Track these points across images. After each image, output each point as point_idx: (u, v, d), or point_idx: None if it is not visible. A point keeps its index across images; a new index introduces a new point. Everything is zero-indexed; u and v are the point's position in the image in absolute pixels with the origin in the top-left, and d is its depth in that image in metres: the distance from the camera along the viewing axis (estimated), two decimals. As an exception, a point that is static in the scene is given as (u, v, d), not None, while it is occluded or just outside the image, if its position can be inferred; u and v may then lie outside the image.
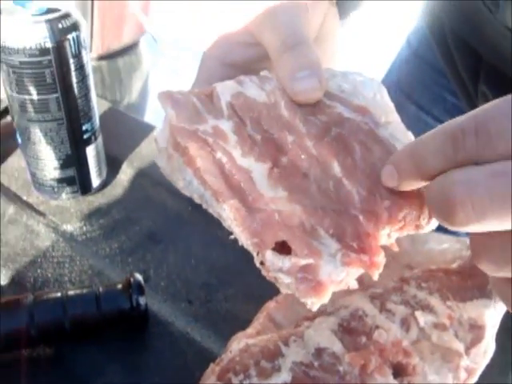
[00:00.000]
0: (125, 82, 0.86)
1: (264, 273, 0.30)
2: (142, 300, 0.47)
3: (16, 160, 0.64)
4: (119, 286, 0.48)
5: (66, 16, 0.52)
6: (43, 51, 0.51)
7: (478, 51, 0.59)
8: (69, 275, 0.53)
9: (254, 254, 0.31)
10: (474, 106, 0.63)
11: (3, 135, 0.65)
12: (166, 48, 0.72)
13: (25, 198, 0.61)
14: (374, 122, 0.36)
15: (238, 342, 0.45)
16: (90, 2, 0.70)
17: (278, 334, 0.45)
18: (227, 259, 0.55)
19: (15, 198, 0.60)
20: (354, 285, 0.32)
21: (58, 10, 0.51)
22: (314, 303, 0.30)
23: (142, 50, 0.83)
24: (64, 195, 0.60)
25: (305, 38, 0.37)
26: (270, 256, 0.30)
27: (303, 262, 0.30)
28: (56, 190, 0.59)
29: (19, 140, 0.57)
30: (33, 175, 0.59)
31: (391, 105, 0.38)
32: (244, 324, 0.48)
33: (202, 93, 0.35)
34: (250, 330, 0.47)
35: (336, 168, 0.34)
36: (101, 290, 0.48)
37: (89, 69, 0.55)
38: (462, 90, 0.65)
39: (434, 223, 0.34)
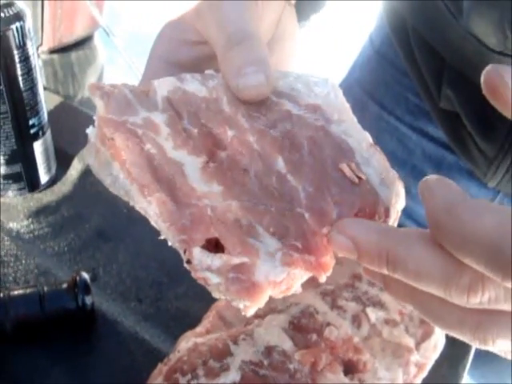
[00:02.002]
0: (78, 76, 0.84)
1: (192, 274, 0.28)
2: (89, 299, 0.46)
3: (-40, 155, 0.62)
4: (64, 286, 0.46)
5: (9, 5, 0.50)
6: (-16, 42, 0.49)
7: (441, 54, 0.59)
8: (13, 275, 0.51)
9: (181, 253, 0.28)
10: (436, 107, 0.62)
11: None
12: (120, 42, 0.70)
13: (-33, 194, 0.58)
14: (326, 118, 0.34)
15: (187, 341, 0.44)
16: (39, -7, 0.68)
17: (227, 332, 0.45)
18: (178, 257, 0.54)
19: (-43, 195, 0.58)
20: (298, 289, 0.29)
21: (1, -1, 0.49)
22: (247, 307, 0.28)
23: (96, 43, 0.81)
24: (10, 192, 0.58)
25: (252, 33, 0.35)
26: (198, 253, 0.28)
27: (236, 260, 0.28)
28: (2, 186, 0.57)
29: (-39, 134, 0.55)
30: (-24, 171, 0.57)
31: (346, 105, 0.36)
32: (194, 323, 0.47)
33: (138, 88, 0.33)
34: (199, 329, 0.46)
35: (280, 163, 0.32)
36: (45, 289, 0.46)
37: (35, 61, 0.53)
38: (425, 91, 0.64)
39: (394, 223, 0.32)
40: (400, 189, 0.32)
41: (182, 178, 0.30)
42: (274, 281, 0.28)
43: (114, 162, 0.30)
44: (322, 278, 0.29)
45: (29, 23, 0.52)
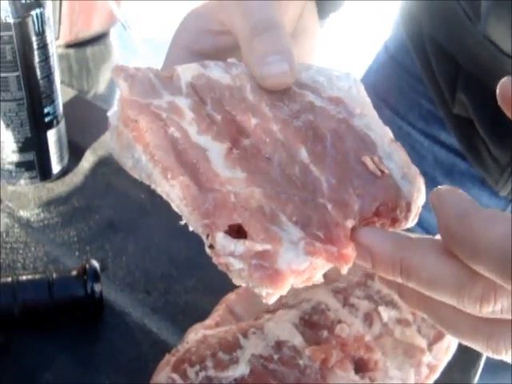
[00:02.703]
0: (93, 71, 0.84)
1: (214, 259, 0.27)
2: (97, 287, 0.45)
3: (-27, 143, 0.62)
4: (74, 273, 0.46)
5: (31, -8, 0.50)
6: (4, 26, 0.49)
7: (456, 59, 0.58)
8: (22, 261, 0.51)
9: (204, 238, 0.28)
10: (450, 113, 0.62)
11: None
12: (137, 38, 0.70)
13: (-20, 182, 0.58)
14: (348, 111, 0.34)
15: (196, 333, 0.43)
16: (58, -14, 0.68)
17: (237, 325, 0.44)
18: (188, 251, 0.54)
19: (-31, 182, 0.58)
20: (319, 279, 0.29)
21: (22, -15, 0.50)
22: (269, 294, 0.27)
23: (112, 40, 0.81)
24: (22, 180, 0.58)
25: (277, 23, 0.35)
26: (222, 239, 0.27)
27: (259, 247, 0.27)
28: (14, 174, 0.57)
29: (-24, 120, 0.55)
30: (-11, 158, 0.57)
31: (368, 100, 0.36)
32: (203, 316, 0.46)
33: (162, 73, 0.33)
34: (208, 322, 0.45)
35: (303, 154, 0.31)
36: (54, 276, 0.45)
37: (53, 49, 0.53)
38: (439, 96, 0.64)
39: (414, 218, 0.32)
40: (421, 184, 0.32)
41: (205, 162, 0.30)
42: (297, 269, 0.27)
43: (137, 145, 0.30)
44: (344, 270, 0.29)
45: (48, 11, 0.52)
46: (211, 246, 0.27)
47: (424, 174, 0.78)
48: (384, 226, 0.31)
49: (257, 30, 0.34)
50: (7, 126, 0.54)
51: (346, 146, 0.32)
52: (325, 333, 0.44)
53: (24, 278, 0.45)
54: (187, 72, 0.33)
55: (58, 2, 0.69)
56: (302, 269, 0.27)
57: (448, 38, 0.60)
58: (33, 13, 0.50)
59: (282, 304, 0.46)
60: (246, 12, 0.36)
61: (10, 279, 0.45)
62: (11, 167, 0.56)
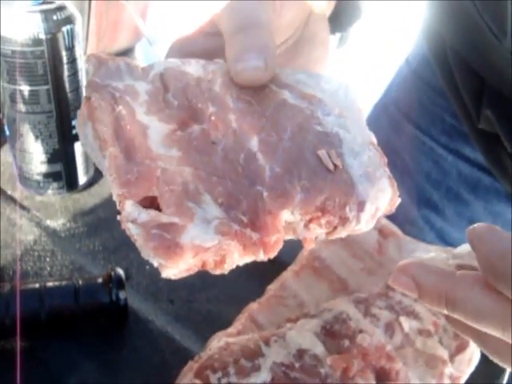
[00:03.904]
0: (118, 86, 0.86)
1: (122, 226, 0.27)
2: (122, 294, 0.46)
3: (3, 155, 0.63)
4: (99, 280, 0.47)
5: (62, 8, 0.52)
6: (36, 42, 0.50)
7: (481, 74, 0.58)
8: (49, 269, 0.52)
9: (117, 205, 0.28)
10: (474, 128, 0.62)
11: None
12: (161, 53, 0.72)
13: (9, 192, 0.60)
14: (323, 110, 0.33)
15: (218, 341, 0.44)
16: (87, 3, 0.70)
17: (259, 334, 0.45)
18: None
19: (-1, 192, 0.59)
20: (227, 268, 0.28)
21: (54, 2, 0.51)
22: (162, 266, 0.26)
23: (137, 55, 0.83)
24: (50, 191, 0.59)
25: (259, 21, 0.35)
26: (130, 206, 0.27)
27: (165, 219, 0.27)
28: (42, 185, 0.59)
29: (7, 132, 0.57)
30: (19, 169, 0.58)
31: (356, 105, 0.35)
32: (225, 325, 0.47)
33: (133, 63, 0.34)
34: (230, 330, 0.46)
35: (254, 142, 0.31)
36: (80, 282, 0.46)
37: (81, 63, 0.55)
38: (463, 112, 0.64)
39: (368, 221, 0.30)
40: (386, 187, 0.31)
41: (142, 138, 0.30)
42: (200, 245, 0.26)
43: (88, 121, 0.31)
44: (260, 257, 0.28)
45: (78, 27, 0.53)
46: (119, 212, 0.27)
47: (448, 189, 0.78)
48: (331, 224, 0.30)
49: (238, 27, 0.35)
50: (36, 137, 0.55)
51: (306, 139, 0.32)
52: (346, 342, 0.44)
53: (51, 284, 0.46)
54: (162, 64, 0.34)
55: (85, 19, 0.71)
56: (207, 246, 0.26)
57: (472, 53, 0.59)
58: (64, 29, 0.51)
59: (303, 313, 0.47)
60: (232, 11, 0.37)
61: (37, 285, 0.46)
62: (39, 178, 0.58)
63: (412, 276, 0.31)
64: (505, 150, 0.61)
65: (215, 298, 0.52)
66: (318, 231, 0.30)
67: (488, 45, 0.56)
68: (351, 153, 0.32)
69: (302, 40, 0.42)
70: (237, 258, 0.28)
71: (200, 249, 0.26)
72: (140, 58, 0.83)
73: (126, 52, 0.82)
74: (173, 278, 0.27)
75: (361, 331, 0.45)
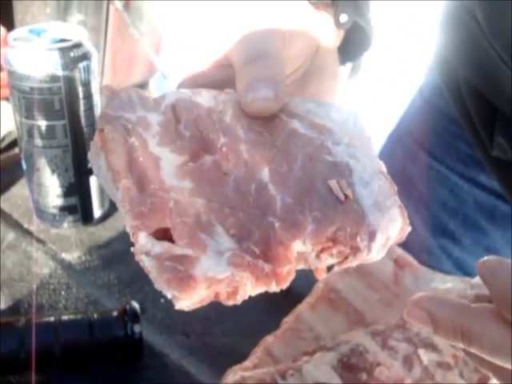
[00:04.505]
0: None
1: (136, 258, 0.27)
2: (137, 328, 0.46)
3: (20, 189, 0.64)
4: (114, 313, 0.47)
5: (78, 45, 0.53)
6: (54, 78, 0.51)
7: (493, 102, 0.58)
8: (64, 302, 0.52)
9: (131, 237, 0.28)
10: (488, 155, 0.62)
11: (9, 164, 0.66)
12: (175, 87, 0.73)
13: (25, 225, 0.60)
14: (333, 140, 0.34)
15: (234, 375, 0.43)
16: (102, 40, 0.72)
17: (275, 367, 0.44)
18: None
19: (16, 225, 0.60)
20: (240, 299, 0.28)
21: (71, 40, 0.53)
22: (176, 298, 0.26)
23: (151, 89, 0.85)
24: (65, 224, 0.59)
25: (268, 52, 0.36)
26: (143, 238, 0.27)
27: (179, 251, 0.27)
28: (57, 218, 0.59)
29: (24, 166, 0.58)
30: (35, 202, 0.59)
31: (366, 134, 0.35)
32: (241, 359, 0.46)
33: (145, 94, 0.34)
34: (246, 363, 0.45)
35: (265, 173, 0.31)
36: (95, 316, 0.46)
37: (97, 98, 0.56)
38: (477, 139, 0.64)
39: (379, 251, 0.30)
40: (397, 216, 0.31)
41: (155, 169, 0.30)
42: (213, 277, 0.26)
43: (101, 152, 0.31)
44: (272, 288, 0.28)
45: (94, 63, 0.54)
46: (132, 244, 0.27)
47: (465, 217, 0.77)
48: (342, 254, 0.30)
49: (248, 58, 0.36)
50: (53, 171, 0.56)
51: (317, 169, 0.32)
52: (364, 375, 0.43)
53: (66, 317, 0.46)
54: (173, 94, 0.35)
55: (101, 54, 0.72)
56: (220, 278, 0.27)
57: (483, 81, 0.60)
58: (80, 65, 0.52)
59: (320, 346, 0.46)
60: (242, 43, 0.37)
61: (52, 319, 0.46)
62: (55, 211, 0.59)
63: (426, 309, 0.31)
64: None
65: (230, 331, 0.51)
66: (329, 261, 0.30)
67: (499, 73, 0.56)
68: (361, 182, 0.32)
69: (311, 70, 0.42)
70: (249, 289, 0.28)
71: (213, 280, 0.26)
72: (154, 92, 0.85)
73: (141, 86, 0.84)
74: (186, 309, 0.27)
75: (378, 364, 0.44)
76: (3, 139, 0.71)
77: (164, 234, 0.28)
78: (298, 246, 0.29)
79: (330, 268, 0.31)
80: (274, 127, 0.34)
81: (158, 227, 0.28)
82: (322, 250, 0.29)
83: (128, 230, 0.28)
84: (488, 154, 0.62)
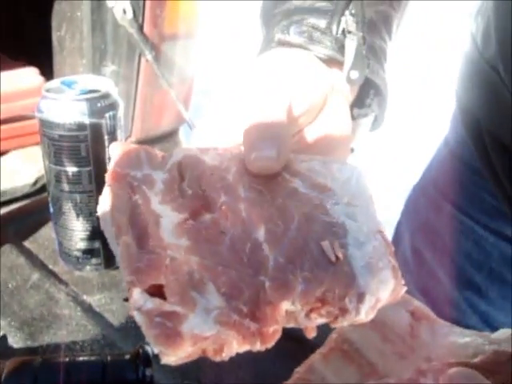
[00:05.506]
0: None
1: (130, 312, 0.28)
2: (149, 372, 0.46)
3: (48, 231, 0.67)
4: (127, 357, 0.47)
5: (106, 96, 0.55)
6: (81, 127, 0.54)
7: None
8: (81, 344, 0.53)
9: (127, 292, 0.29)
10: None
11: (39, 207, 0.68)
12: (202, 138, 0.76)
13: (50, 266, 0.62)
14: (332, 200, 0.35)
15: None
16: (133, 89, 0.75)
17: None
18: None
19: (41, 266, 0.62)
20: (226, 356, 0.29)
21: (99, 91, 0.55)
22: (163, 354, 0.27)
23: (180, 138, 0.87)
24: (88, 267, 0.61)
25: (274, 111, 0.37)
26: (137, 294, 0.28)
27: (169, 308, 0.28)
28: (81, 260, 0.61)
29: (51, 209, 0.60)
30: (60, 244, 0.61)
31: (368, 193, 0.36)
32: (253, 406, 0.46)
33: (153, 152, 0.36)
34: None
35: (261, 232, 0.32)
36: (109, 358, 0.47)
37: (122, 146, 0.58)
38: (501, 191, 0.64)
39: (369, 313, 0.31)
40: (388, 278, 0.31)
41: (155, 227, 0.31)
42: (198, 335, 0.27)
43: (107, 208, 0.33)
44: (257, 347, 0.28)
45: (120, 112, 0.57)
46: (126, 300, 0.29)
47: (490, 270, 0.75)
48: (331, 314, 0.30)
49: (254, 117, 0.37)
50: (77, 215, 0.58)
51: (312, 229, 0.32)
52: (373, 430, 0.42)
53: (80, 358, 0.47)
54: (181, 152, 0.36)
55: (132, 102, 0.76)
56: (206, 335, 0.27)
57: (508, 135, 0.60)
58: (106, 115, 0.55)
59: (329, 398, 0.46)
60: (250, 99, 0.38)
61: (67, 359, 0.47)
62: (79, 254, 0.60)
63: None
64: None
65: (243, 379, 0.51)
66: (319, 321, 0.30)
67: None
68: (356, 243, 0.32)
69: (321, 126, 0.43)
70: (235, 346, 0.28)
71: (199, 338, 0.27)
72: (183, 141, 0.87)
73: (171, 134, 0.87)
74: (173, 364, 0.28)
75: (389, 419, 0.43)
76: (36, 182, 0.74)
77: (159, 290, 0.29)
78: (286, 305, 0.29)
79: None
80: (276, 186, 0.35)
81: (153, 283, 0.29)
82: (311, 310, 0.30)
83: (124, 284, 0.29)
84: None
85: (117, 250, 0.31)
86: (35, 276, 0.60)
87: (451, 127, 0.76)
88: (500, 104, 0.60)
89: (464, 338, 0.52)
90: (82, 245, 0.60)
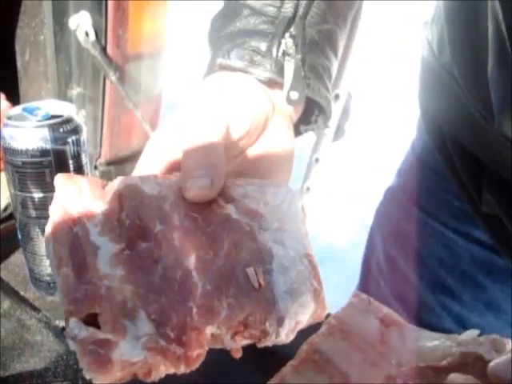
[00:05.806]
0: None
1: (66, 340, 0.30)
2: (120, 395, 0.46)
3: (19, 257, 0.66)
4: (99, 380, 0.47)
5: (69, 121, 0.56)
6: (44, 153, 0.54)
7: (479, 158, 0.59)
8: (53, 370, 0.53)
9: (64, 321, 0.31)
10: (478, 211, 0.62)
11: (9, 234, 0.68)
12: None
13: (22, 293, 0.62)
14: (262, 225, 0.36)
15: None
16: (100, 111, 0.75)
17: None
18: (216, 359, 0.54)
19: (12, 293, 0.62)
20: (154, 378, 0.31)
21: (61, 116, 0.56)
22: (94, 379, 0.29)
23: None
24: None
25: (210, 138, 0.38)
26: (73, 323, 0.30)
27: (101, 336, 0.30)
28: (52, 285, 0.60)
29: (19, 236, 0.60)
30: (30, 270, 0.61)
31: (300, 216, 0.38)
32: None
33: (98, 181, 0.37)
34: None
35: (191, 260, 0.34)
36: None
37: (87, 170, 0.58)
38: (466, 196, 0.65)
39: (288, 334, 0.33)
40: (308, 301, 0.34)
41: (93, 258, 0.33)
42: (127, 360, 0.29)
43: (49, 241, 0.34)
44: (181, 370, 0.31)
45: (84, 136, 0.57)
46: (63, 329, 0.30)
47: (462, 273, 0.76)
48: (254, 337, 0.33)
49: (191, 145, 0.38)
50: (46, 240, 0.58)
51: (240, 256, 0.34)
52: None
53: (52, 386, 0.47)
54: (122, 182, 0.37)
55: (99, 124, 0.76)
56: (134, 361, 0.29)
57: (468, 138, 0.61)
58: (69, 140, 0.55)
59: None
60: (186, 129, 0.39)
61: (38, 387, 0.47)
62: (49, 279, 0.60)
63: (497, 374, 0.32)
64: (509, 232, 0.60)
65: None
66: (243, 342, 0.33)
67: (480, 129, 0.57)
68: (280, 269, 0.34)
69: (262, 146, 0.43)
70: (163, 369, 0.30)
71: (127, 363, 0.29)
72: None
73: (140, 153, 0.87)
74: None
75: (360, 427, 0.43)
76: (6, 208, 0.74)
77: (95, 319, 0.30)
78: (212, 329, 0.32)
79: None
80: (210, 213, 0.36)
81: (89, 313, 0.30)
82: (235, 333, 0.32)
83: (62, 314, 0.31)
84: (478, 209, 0.62)
85: (56, 280, 0.33)
86: (6, 304, 0.60)
87: (417, 133, 0.77)
88: (458, 108, 0.61)
89: (433, 342, 0.53)
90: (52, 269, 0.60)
